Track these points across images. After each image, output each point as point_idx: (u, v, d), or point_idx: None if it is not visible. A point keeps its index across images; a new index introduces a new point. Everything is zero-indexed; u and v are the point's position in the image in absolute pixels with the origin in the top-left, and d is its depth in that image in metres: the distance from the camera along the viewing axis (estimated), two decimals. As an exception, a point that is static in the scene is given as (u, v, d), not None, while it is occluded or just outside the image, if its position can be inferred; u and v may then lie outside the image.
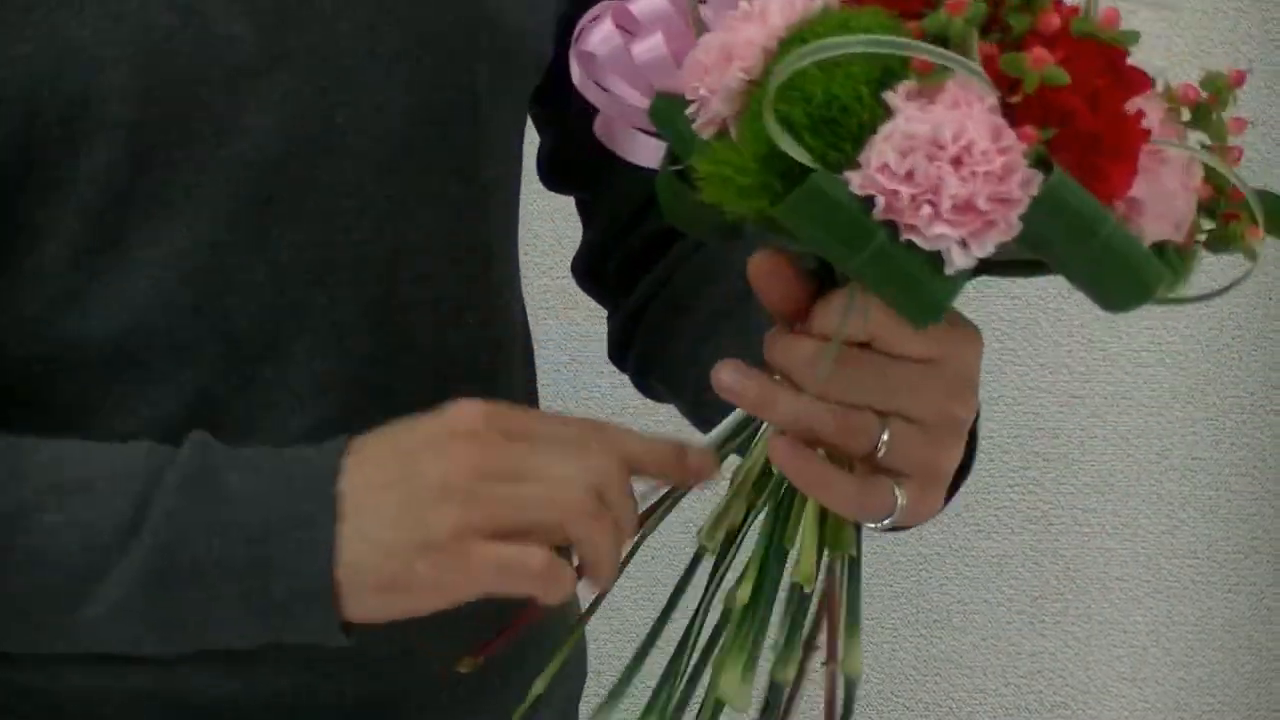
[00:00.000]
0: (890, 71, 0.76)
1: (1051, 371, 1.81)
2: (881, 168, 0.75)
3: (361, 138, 0.93)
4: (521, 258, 1.04)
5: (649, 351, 1.09)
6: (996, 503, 1.83)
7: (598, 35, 0.85)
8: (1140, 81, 0.80)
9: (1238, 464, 1.81)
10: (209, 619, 0.85)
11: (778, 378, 0.86)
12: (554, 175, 1.11)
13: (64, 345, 0.93)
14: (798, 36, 0.79)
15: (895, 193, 0.75)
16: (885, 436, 0.85)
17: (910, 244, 0.75)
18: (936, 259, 0.76)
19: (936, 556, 1.83)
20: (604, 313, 1.11)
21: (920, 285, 0.77)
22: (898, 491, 0.86)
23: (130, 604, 0.85)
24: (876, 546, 1.79)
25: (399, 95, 0.93)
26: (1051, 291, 1.80)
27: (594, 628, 1.06)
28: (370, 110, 0.92)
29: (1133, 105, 0.79)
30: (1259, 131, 1.75)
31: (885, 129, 0.75)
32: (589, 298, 1.13)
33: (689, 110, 0.80)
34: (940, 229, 0.75)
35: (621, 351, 1.13)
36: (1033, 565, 1.83)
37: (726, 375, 0.86)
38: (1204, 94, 0.83)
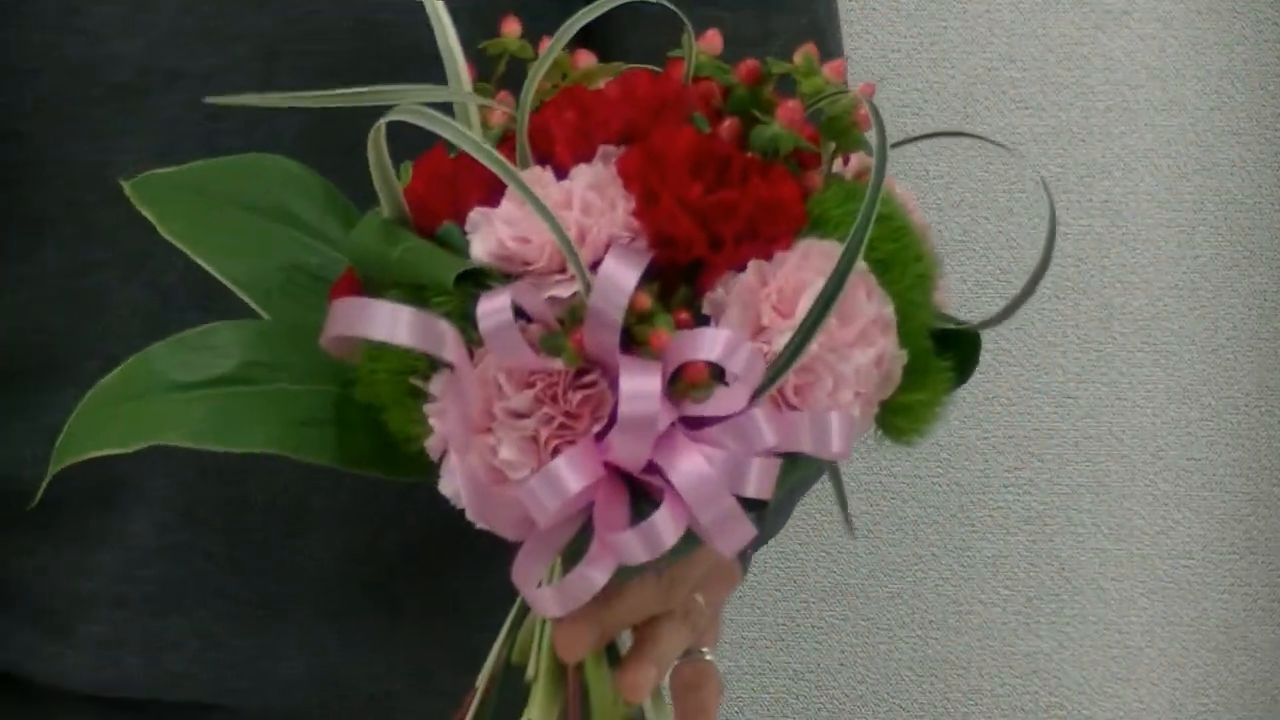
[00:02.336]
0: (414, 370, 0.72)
1: (1045, 372, 1.80)
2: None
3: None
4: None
5: None
6: (991, 504, 1.81)
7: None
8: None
9: (1233, 464, 1.80)
10: None
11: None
12: None
13: None
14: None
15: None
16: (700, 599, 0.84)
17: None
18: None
19: (932, 557, 1.82)
20: None
21: None
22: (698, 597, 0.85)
23: None
24: (871, 546, 1.80)
25: (297, 124, 0.90)
26: (1045, 292, 1.80)
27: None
28: (265, 138, 0.90)
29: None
30: (1256, 132, 1.74)
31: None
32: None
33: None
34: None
35: None
36: (1027, 566, 1.82)
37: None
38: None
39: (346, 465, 0.74)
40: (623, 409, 0.66)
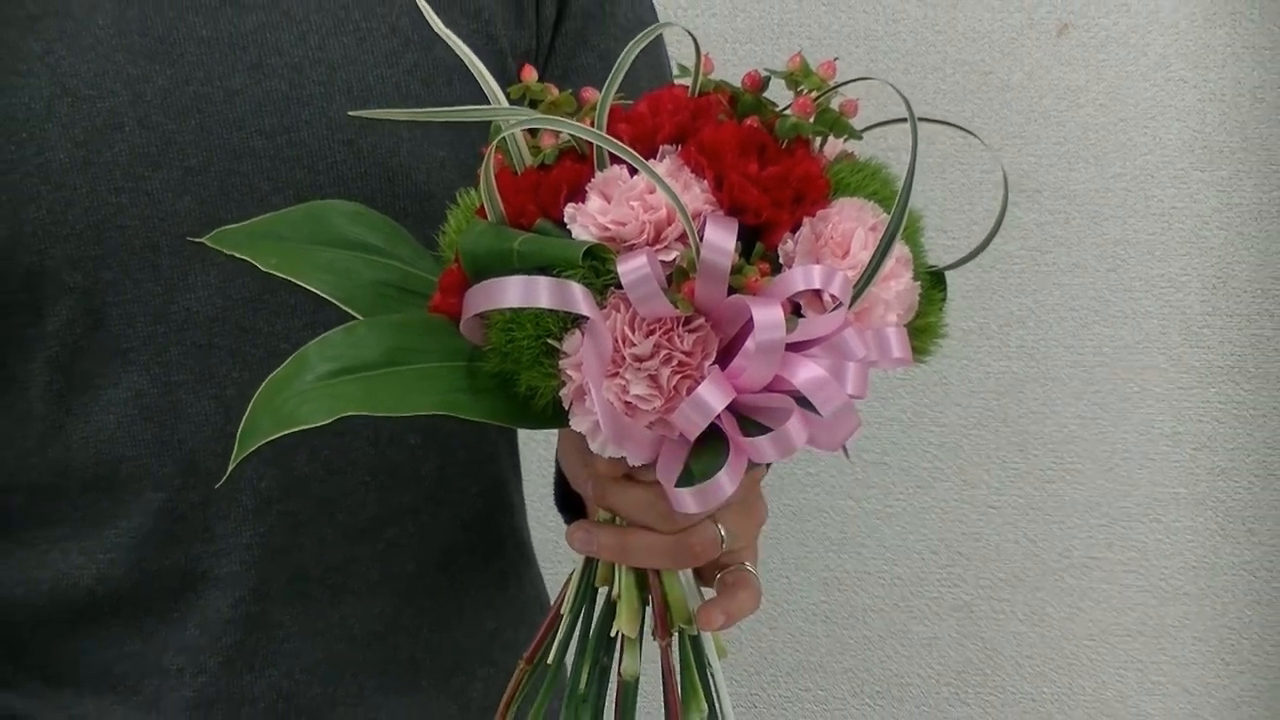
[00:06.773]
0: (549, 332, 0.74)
1: (971, 487, 1.83)
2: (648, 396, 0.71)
3: (294, 294, 0.93)
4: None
5: None
6: (927, 594, 1.86)
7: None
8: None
9: (1129, 564, 1.82)
10: None
11: (619, 521, 0.83)
12: None
13: (52, 473, 0.96)
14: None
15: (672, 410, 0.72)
16: (723, 531, 0.83)
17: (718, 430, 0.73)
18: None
19: (879, 639, 1.86)
20: None
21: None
22: (720, 528, 0.83)
23: None
24: (829, 630, 1.84)
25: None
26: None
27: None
28: None
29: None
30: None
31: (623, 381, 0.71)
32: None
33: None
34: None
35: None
36: (957, 646, 1.87)
37: (580, 537, 0.84)
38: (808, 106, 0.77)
39: (491, 420, 0.76)
40: (758, 337, 0.69)
